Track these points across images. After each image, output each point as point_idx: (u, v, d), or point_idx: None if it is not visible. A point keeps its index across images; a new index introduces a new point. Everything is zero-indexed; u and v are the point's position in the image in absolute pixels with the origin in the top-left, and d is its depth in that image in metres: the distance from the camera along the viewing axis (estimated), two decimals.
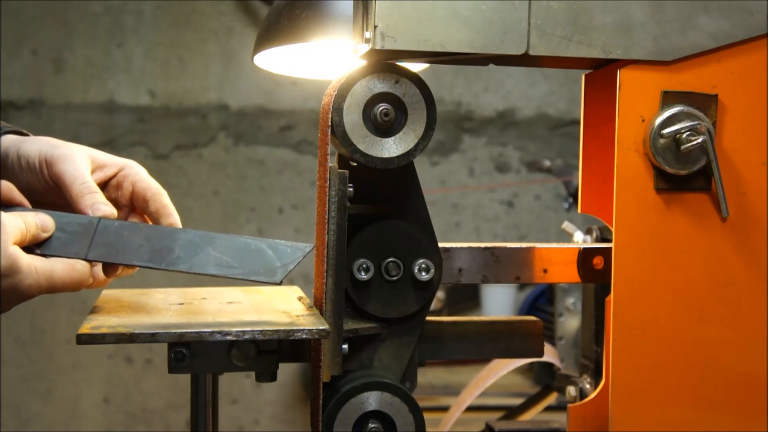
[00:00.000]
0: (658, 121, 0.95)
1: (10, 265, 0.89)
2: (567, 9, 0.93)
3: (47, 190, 1.04)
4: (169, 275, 1.08)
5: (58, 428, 3.09)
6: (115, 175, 1.08)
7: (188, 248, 0.97)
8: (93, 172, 1.05)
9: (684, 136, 0.94)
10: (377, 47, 0.90)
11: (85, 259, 0.96)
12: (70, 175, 1.01)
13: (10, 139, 1.05)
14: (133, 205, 1.09)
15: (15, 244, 0.90)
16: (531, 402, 1.68)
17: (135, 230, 0.99)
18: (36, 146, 1.03)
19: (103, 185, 1.06)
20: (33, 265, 0.91)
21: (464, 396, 1.54)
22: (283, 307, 1.03)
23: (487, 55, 0.95)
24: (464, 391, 1.55)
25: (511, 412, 1.68)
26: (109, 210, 1.00)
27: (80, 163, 1.02)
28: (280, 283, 0.95)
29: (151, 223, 1.07)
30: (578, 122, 1.09)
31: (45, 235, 0.95)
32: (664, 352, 0.96)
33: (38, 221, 0.95)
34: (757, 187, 0.97)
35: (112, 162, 1.08)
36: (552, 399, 1.67)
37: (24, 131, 1.09)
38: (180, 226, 1.06)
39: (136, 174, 1.08)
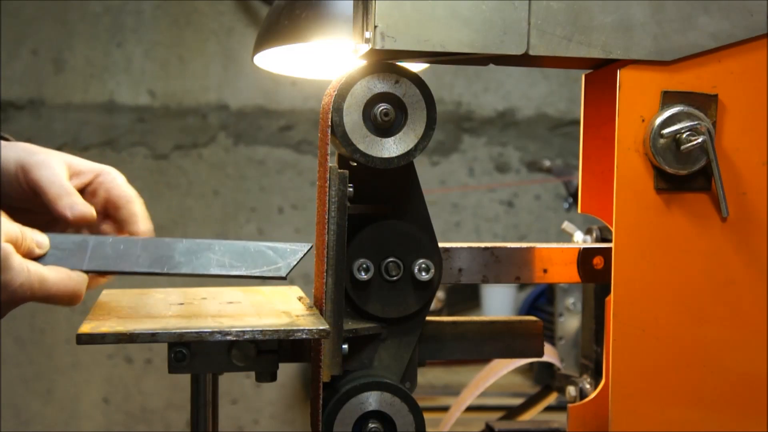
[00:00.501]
0: (658, 121, 0.95)
1: (2, 259, 0.87)
2: (567, 9, 0.93)
3: (23, 197, 1.03)
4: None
5: (58, 428, 3.09)
6: (91, 182, 1.06)
7: (188, 254, 0.97)
8: (69, 178, 1.03)
9: (684, 136, 0.94)
10: (377, 47, 0.90)
11: (84, 270, 0.95)
12: (47, 180, 1.00)
13: None
14: (107, 213, 1.06)
15: (8, 243, 0.89)
16: (531, 402, 1.68)
17: (131, 242, 0.98)
18: (13, 152, 1.02)
19: (80, 192, 1.04)
20: (25, 265, 0.89)
21: (464, 396, 1.54)
22: (283, 307, 1.03)
23: (487, 55, 0.95)
24: (464, 391, 1.55)
25: (511, 412, 1.68)
26: (87, 210, 0.99)
27: (57, 169, 1.01)
28: (285, 278, 0.95)
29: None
30: (578, 122, 1.09)
31: (39, 251, 0.93)
32: (664, 352, 0.96)
33: (34, 236, 0.93)
34: (757, 187, 0.97)
35: (89, 169, 1.06)
36: (552, 399, 1.67)
37: (5, 135, 1.08)
38: (153, 235, 1.03)
39: (112, 181, 1.06)
